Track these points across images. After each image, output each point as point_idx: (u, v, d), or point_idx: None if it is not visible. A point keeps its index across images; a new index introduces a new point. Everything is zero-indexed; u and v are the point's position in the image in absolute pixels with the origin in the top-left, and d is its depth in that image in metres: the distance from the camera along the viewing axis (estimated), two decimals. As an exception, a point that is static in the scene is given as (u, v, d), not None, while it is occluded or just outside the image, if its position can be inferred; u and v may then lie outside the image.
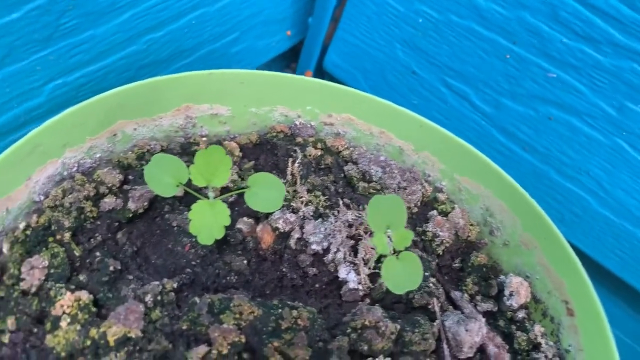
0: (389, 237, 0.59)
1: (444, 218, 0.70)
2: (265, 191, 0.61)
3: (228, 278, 0.62)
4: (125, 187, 0.66)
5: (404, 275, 0.57)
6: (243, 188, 0.62)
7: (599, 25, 0.70)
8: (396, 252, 0.58)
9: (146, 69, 0.75)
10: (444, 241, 0.68)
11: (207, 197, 0.61)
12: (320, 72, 1.03)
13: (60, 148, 0.63)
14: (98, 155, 0.68)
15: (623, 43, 0.70)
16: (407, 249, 0.62)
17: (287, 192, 0.70)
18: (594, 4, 0.69)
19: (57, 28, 0.58)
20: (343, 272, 0.63)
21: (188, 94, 0.71)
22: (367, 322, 0.57)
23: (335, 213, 0.67)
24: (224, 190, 0.67)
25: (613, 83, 0.73)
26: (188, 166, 0.59)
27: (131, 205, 0.63)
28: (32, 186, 0.62)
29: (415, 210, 0.72)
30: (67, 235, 0.60)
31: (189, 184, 0.60)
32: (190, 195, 0.70)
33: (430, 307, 0.63)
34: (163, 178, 0.59)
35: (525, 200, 0.68)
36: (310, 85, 0.74)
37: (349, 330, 0.58)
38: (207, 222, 0.59)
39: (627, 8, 0.68)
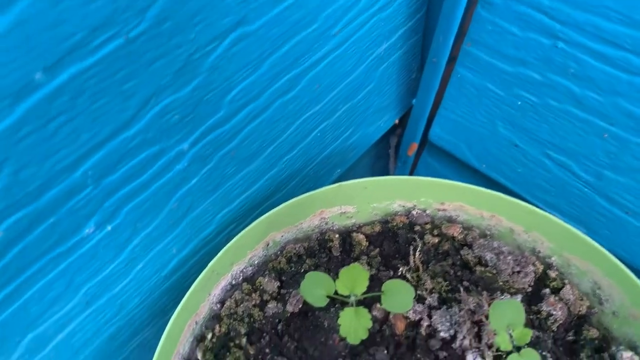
0: (510, 335, 0.69)
1: (557, 298, 0.78)
2: (397, 295, 0.72)
3: (373, 367, 0.75)
4: (282, 291, 0.80)
5: (526, 369, 0.68)
6: (380, 293, 0.74)
7: (694, 110, 0.75)
8: (518, 348, 0.68)
9: (284, 183, 0.89)
10: (557, 319, 0.77)
11: (349, 301, 0.74)
12: (426, 142, 1.13)
13: (229, 266, 0.78)
14: (256, 262, 0.83)
15: None
16: (525, 326, 0.73)
17: (412, 277, 0.82)
18: (689, 93, 0.74)
19: (223, 177, 0.73)
20: (470, 358, 0.74)
21: (322, 202, 0.84)
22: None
23: (458, 298, 0.78)
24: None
25: None
26: (334, 280, 0.73)
27: (289, 307, 0.77)
28: (211, 299, 0.77)
29: (529, 289, 0.81)
30: (244, 340, 0.75)
31: (335, 292, 0.73)
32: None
33: (549, 386, 0.72)
34: (316, 291, 0.72)
35: (631, 280, 0.75)
36: (422, 183, 0.85)
37: (481, 413, 0.69)
38: (354, 325, 0.72)
39: None
